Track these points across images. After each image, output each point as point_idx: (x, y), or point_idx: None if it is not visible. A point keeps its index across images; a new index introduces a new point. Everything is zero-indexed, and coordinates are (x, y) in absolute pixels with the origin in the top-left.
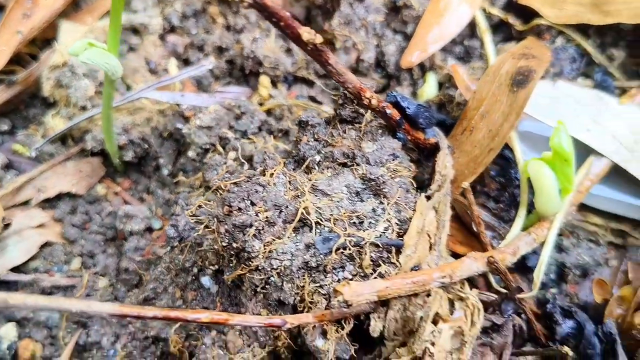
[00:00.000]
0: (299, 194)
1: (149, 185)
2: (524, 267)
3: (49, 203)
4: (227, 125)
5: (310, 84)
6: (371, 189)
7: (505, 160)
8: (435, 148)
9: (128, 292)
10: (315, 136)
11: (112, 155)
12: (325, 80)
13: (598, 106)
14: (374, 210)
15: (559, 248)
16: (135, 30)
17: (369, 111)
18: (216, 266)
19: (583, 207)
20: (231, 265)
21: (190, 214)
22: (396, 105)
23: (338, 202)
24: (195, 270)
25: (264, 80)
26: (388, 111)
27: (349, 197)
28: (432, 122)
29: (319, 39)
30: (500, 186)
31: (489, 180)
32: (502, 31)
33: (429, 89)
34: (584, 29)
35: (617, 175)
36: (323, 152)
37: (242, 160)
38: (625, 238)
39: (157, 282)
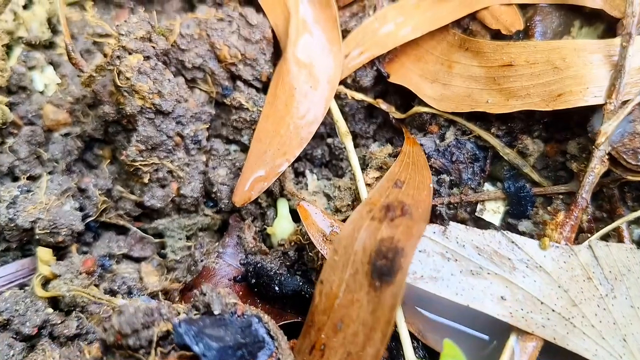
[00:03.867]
0: None
1: None
2: None
3: None
4: None
5: (123, 230)
6: None
7: None
8: None
9: None
10: None
11: None
12: (144, 222)
13: (511, 257)
14: None
15: None
16: None
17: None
18: None
19: None
20: None
21: None
22: (185, 349)
23: None
24: None
25: (43, 253)
26: None
27: None
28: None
29: None
30: None
31: None
32: (379, 116)
33: (282, 224)
34: (481, 112)
35: (553, 352)
36: None
37: None
38: None
39: None
